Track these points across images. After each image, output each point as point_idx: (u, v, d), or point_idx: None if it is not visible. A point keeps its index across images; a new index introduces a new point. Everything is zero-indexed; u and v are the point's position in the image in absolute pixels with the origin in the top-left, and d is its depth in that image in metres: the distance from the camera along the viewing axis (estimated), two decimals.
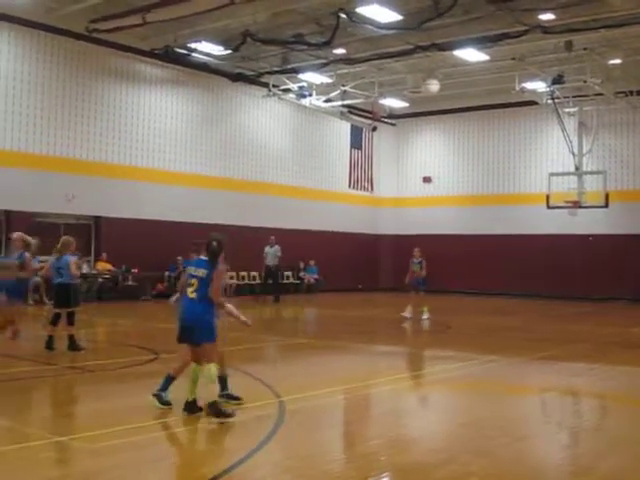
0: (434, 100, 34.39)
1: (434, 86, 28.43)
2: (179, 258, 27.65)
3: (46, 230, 24.28)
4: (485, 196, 36.00)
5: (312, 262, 33.57)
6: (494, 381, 11.94)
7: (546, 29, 23.60)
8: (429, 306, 21.50)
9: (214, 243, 8.74)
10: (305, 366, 13.18)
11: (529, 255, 33.63)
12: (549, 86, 28.37)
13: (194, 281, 8.58)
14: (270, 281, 28.20)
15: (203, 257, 8.78)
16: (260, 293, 28.57)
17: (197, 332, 8.43)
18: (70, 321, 13.15)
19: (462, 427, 8.56)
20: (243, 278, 31.19)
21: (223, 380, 9.01)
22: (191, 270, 8.72)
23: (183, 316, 8.60)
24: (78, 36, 25.59)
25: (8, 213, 24.24)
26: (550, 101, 29.31)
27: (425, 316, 21.21)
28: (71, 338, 13.06)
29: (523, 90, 29.13)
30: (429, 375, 12.12)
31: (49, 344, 13.01)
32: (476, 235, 35.41)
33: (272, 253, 27.66)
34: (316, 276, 33.63)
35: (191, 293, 8.56)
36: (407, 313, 21.32)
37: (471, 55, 26.72)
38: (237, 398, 9.03)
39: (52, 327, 13.15)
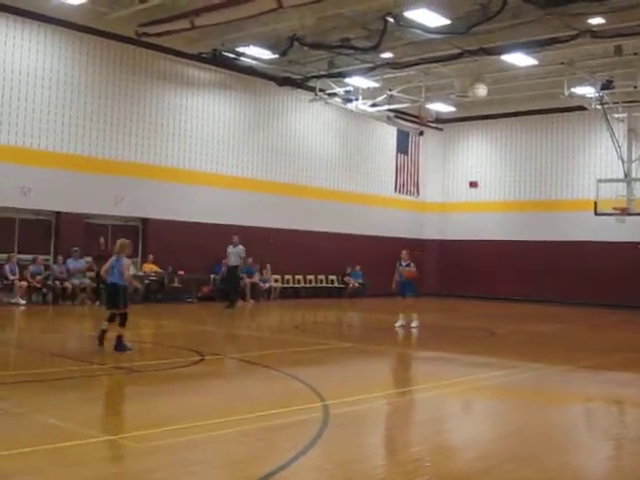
0: (481, 105, 34.22)
1: (482, 90, 28.26)
2: (224, 260, 27.88)
3: (95, 231, 24.73)
4: (532, 202, 35.69)
5: (357, 267, 33.57)
6: (538, 389, 11.84)
7: (596, 33, 23.35)
8: (418, 314, 20.33)
9: None
10: (349, 370, 13.19)
11: (576, 262, 33.26)
12: (598, 91, 28.09)
13: None
14: (229, 284, 26.32)
15: None
16: (218, 296, 26.92)
17: None
18: (121, 322, 13.35)
19: (506, 435, 8.52)
20: (288, 282, 31.31)
21: None
22: None
23: None
24: (127, 40, 25.94)
25: (58, 214, 24.62)
26: (599, 106, 28.99)
27: (401, 323, 19.81)
28: (118, 338, 13.24)
29: (572, 95, 28.87)
30: (473, 382, 12.06)
31: (101, 338, 13.28)
32: (522, 241, 35.15)
33: (235, 253, 25.78)
34: (361, 280, 33.62)
35: None
36: (403, 321, 19.94)
37: (519, 60, 26.53)
38: None
39: (108, 323, 13.40)
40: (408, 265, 20.01)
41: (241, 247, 25.78)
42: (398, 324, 19.77)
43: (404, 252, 20.27)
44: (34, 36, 24.00)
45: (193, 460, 6.84)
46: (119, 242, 13.85)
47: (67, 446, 7.21)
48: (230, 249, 25.88)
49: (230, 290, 25.95)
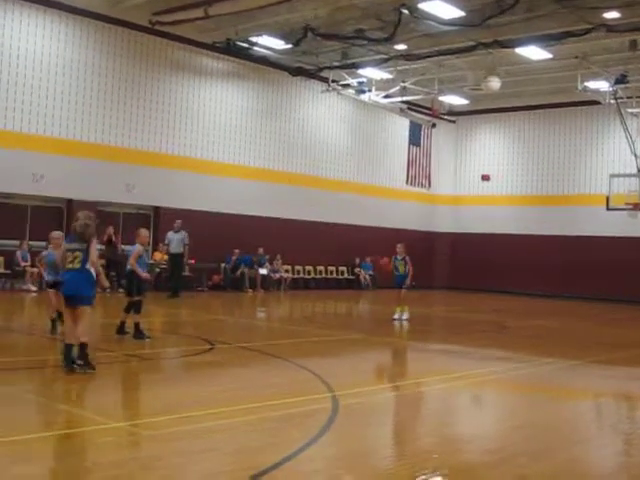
0: (495, 98, 34.12)
1: (495, 83, 28.14)
2: (236, 250, 27.93)
3: (107, 219, 24.78)
4: (544, 196, 35.60)
5: (368, 258, 33.54)
6: (548, 383, 11.82)
7: (610, 27, 23.23)
8: (410, 306, 19.91)
9: None
10: (359, 362, 13.20)
11: (588, 257, 33.15)
12: (612, 86, 27.97)
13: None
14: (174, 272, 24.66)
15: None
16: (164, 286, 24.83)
17: None
18: (136, 309, 13.40)
19: (516, 429, 8.50)
20: (298, 272, 31.34)
21: None
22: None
23: None
24: (141, 28, 25.95)
25: (70, 202, 24.66)
26: (613, 101, 28.87)
27: (399, 316, 19.42)
28: (136, 326, 13.29)
29: (585, 89, 28.74)
30: (483, 375, 12.05)
31: (120, 329, 13.40)
32: (534, 235, 35.06)
33: (177, 240, 24.04)
34: (371, 272, 33.59)
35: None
36: (397, 315, 19.61)
37: (533, 53, 26.41)
38: None
39: (125, 313, 13.46)
40: (403, 259, 19.73)
41: (184, 233, 24.18)
42: (396, 316, 19.53)
43: (399, 246, 20.01)
44: (48, 23, 24.01)
45: (203, 448, 6.86)
46: (137, 232, 13.98)
47: (78, 432, 7.25)
48: (171, 235, 24.44)
49: (173, 278, 24.64)
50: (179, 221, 24.71)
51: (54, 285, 12.52)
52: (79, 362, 9.92)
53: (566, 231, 34.23)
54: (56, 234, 13.19)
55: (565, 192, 35.15)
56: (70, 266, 10.16)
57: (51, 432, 7.22)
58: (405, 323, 19.21)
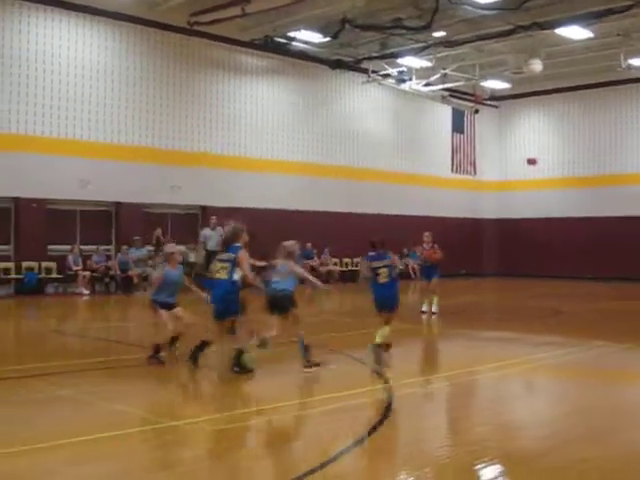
0: (537, 80, 33.69)
1: (537, 66, 27.81)
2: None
3: (154, 221, 25.02)
4: (592, 177, 35.09)
5: (416, 248, 33.37)
6: (603, 368, 11.69)
7: None
8: (440, 297, 18.54)
9: None
10: (411, 352, 13.18)
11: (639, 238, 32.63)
12: None
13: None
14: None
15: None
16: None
17: None
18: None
19: (571, 414, 8.43)
20: (346, 265, 31.30)
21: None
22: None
23: None
24: (180, 30, 26.09)
25: (118, 204, 24.94)
26: None
27: (434, 308, 18.16)
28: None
29: (629, 67, 28.29)
30: (536, 361, 11.94)
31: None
32: (584, 218, 34.57)
33: (215, 237, 22.46)
34: (419, 262, 33.41)
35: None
36: (425, 307, 18.48)
37: (574, 32, 25.99)
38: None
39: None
40: (432, 247, 18.75)
41: (221, 229, 22.03)
42: (434, 309, 18.30)
43: (426, 234, 19.07)
44: (87, 30, 24.29)
45: (262, 442, 6.91)
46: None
47: (136, 432, 7.34)
48: (207, 232, 23.79)
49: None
50: (214, 217, 24.23)
51: (164, 305, 11.42)
52: (236, 369, 9.98)
53: (616, 212, 33.69)
54: (175, 248, 12.01)
55: (614, 172, 34.58)
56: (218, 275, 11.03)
57: (109, 432, 7.31)
58: (425, 316, 18.22)
